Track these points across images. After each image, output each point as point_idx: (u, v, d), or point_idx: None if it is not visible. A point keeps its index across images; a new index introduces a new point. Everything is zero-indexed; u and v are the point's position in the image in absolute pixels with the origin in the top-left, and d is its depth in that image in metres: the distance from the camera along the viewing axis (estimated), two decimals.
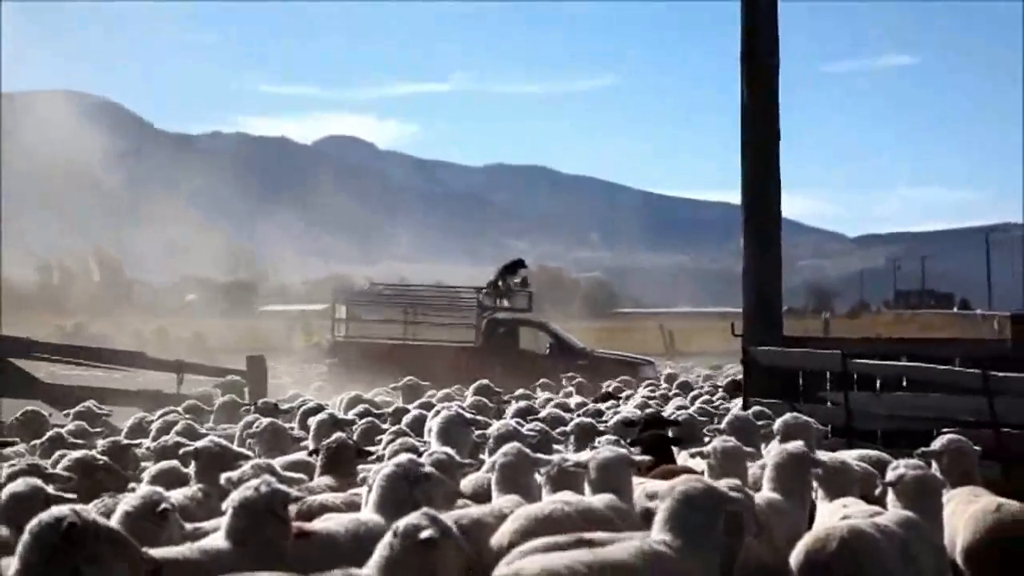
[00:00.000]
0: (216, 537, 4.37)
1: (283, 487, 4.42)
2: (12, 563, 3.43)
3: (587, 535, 4.35)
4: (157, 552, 4.06)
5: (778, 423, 7.14)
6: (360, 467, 5.95)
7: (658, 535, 4.36)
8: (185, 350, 24.41)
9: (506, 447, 5.66)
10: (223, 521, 4.39)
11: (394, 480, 4.85)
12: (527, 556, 4.10)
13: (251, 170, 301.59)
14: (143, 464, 6.65)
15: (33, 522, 3.43)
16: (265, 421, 7.42)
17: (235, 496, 4.36)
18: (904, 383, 9.13)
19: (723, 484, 4.95)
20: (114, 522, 4.22)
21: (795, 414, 7.34)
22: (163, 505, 4.47)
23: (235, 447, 6.14)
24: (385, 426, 7.92)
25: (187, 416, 8.38)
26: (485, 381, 11.24)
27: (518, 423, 7.22)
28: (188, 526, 4.76)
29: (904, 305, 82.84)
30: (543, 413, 8.50)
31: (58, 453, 6.41)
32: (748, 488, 5.27)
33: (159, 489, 4.74)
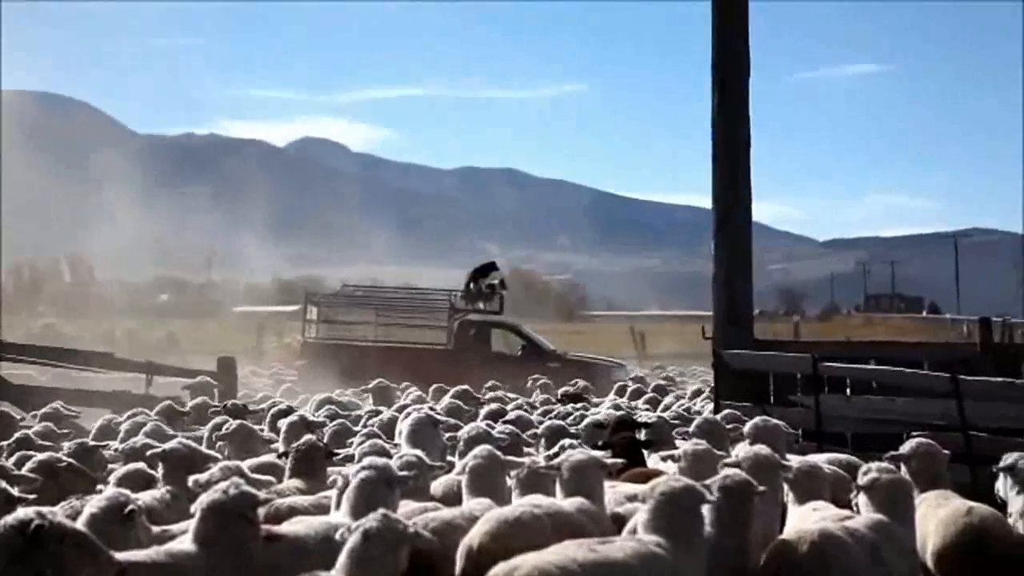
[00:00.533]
0: (184, 540, 4.32)
1: (252, 490, 4.37)
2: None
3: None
4: (122, 555, 4.00)
5: (748, 426, 7.16)
6: (329, 469, 5.90)
7: (648, 536, 4.38)
8: (156, 351, 24.15)
9: (476, 449, 5.64)
10: (191, 524, 4.33)
11: (371, 483, 4.83)
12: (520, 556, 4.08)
13: (224, 172, 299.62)
14: (111, 466, 6.55)
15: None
16: (235, 423, 7.35)
17: (203, 499, 4.31)
18: (874, 386, 9.18)
19: (720, 464, 5.03)
20: (80, 524, 4.14)
21: (765, 417, 7.37)
22: (129, 507, 4.41)
23: (204, 449, 6.07)
24: (356, 428, 7.87)
25: (156, 418, 8.25)
26: (465, 387, 11.18)
27: (488, 425, 7.20)
28: (155, 529, 4.70)
29: (874, 309, 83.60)
30: (511, 415, 8.47)
31: (20, 454, 6.30)
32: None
33: (125, 491, 4.67)
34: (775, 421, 7.23)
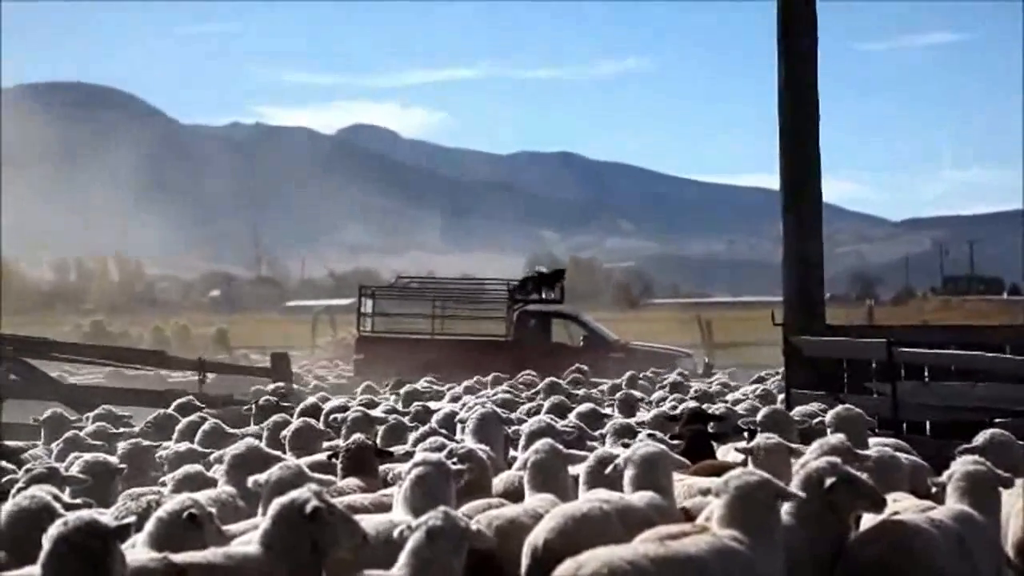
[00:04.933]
0: (247, 542, 4.28)
1: (326, 499, 4.31)
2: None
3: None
4: (181, 556, 3.99)
5: (830, 415, 6.97)
6: (386, 467, 5.84)
7: (723, 531, 4.28)
8: (207, 348, 24.45)
9: (538, 444, 5.52)
10: (258, 525, 4.31)
11: (427, 478, 4.79)
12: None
13: (272, 162, 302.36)
14: (164, 466, 6.58)
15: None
16: (298, 422, 7.34)
17: (274, 504, 4.24)
18: (953, 372, 8.90)
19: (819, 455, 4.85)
20: (149, 527, 4.35)
21: (848, 406, 7.14)
22: (190, 511, 4.41)
23: (266, 448, 6.05)
24: (411, 424, 7.79)
25: (213, 416, 8.27)
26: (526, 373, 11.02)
27: (552, 419, 7.08)
28: None
29: (951, 291, 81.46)
30: (582, 408, 8.35)
31: (72, 455, 6.36)
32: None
33: (195, 496, 4.67)
34: (857, 410, 7.01)
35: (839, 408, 7.05)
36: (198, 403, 9.69)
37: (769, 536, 4.30)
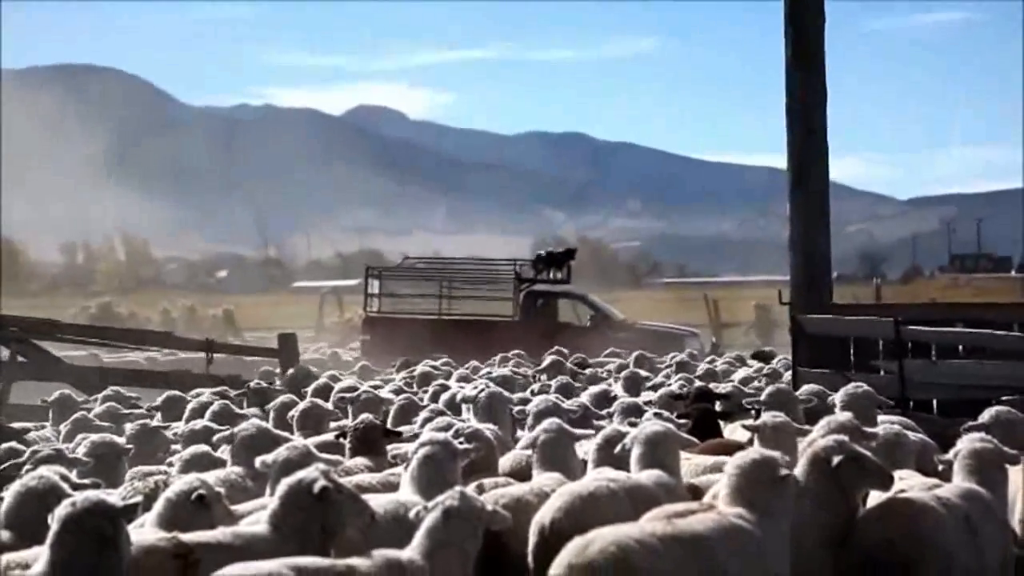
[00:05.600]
0: (255, 522, 4.30)
1: (334, 479, 4.33)
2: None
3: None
4: (190, 536, 4.02)
5: (840, 393, 6.94)
6: (392, 447, 5.86)
7: (730, 508, 4.29)
8: (214, 329, 24.39)
9: (545, 423, 5.53)
10: (267, 505, 4.34)
11: (433, 458, 4.81)
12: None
13: (279, 142, 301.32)
14: (173, 447, 6.61)
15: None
16: (305, 402, 7.35)
17: (282, 485, 4.27)
18: (961, 350, 8.87)
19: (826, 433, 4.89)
20: (156, 507, 4.38)
21: (858, 384, 7.13)
22: (198, 491, 4.44)
23: (273, 429, 6.07)
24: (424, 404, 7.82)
25: (220, 398, 8.29)
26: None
27: (558, 399, 7.10)
28: None
29: (959, 269, 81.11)
30: (595, 389, 8.36)
31: (79, 437, 6.38)
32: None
33: (203, 476, 4.69)
34: (866, 388, 6.99)
35: (849, 387, 7.03)
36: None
37: (775, 514, 4.30)
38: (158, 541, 3.97)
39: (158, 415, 7.90)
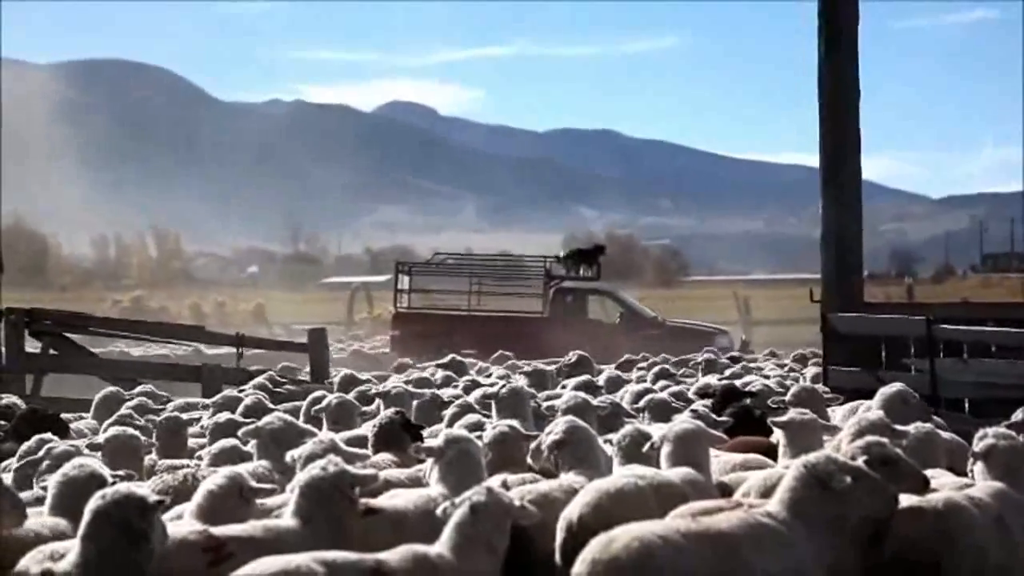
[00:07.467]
0: (283, 515, 4.34)
1: (351, 468, 4.37)
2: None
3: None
4: (220, 529, 4.05)
5: (879, 393, 6.85)
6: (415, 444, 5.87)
7: (771, 507, 4.23)
8: (245, 324, 24.54)
9: (567, 419, 5.51)
10: (289, 499, 4.36)
11: (460, 455, 4.83)
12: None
13: (310, 138, 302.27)
14: (199, 441, 6.67)
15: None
16: (333, 396, 7.39)
17: (302, 476, 4.33)
18: (993, 349, 8.79)
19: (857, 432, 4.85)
20: (198, 499, 4.42)
21: (897, 384, 7.04)
22: (249, 485, 4.52)
23: (300, 423, 6.11)
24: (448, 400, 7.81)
25: (260, 393, 8.36)
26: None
27: (586, 396, 7.07)
28: None
29: (992, 268, 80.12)
30: (630, 388, 8.35)
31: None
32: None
33: (240, 470, 4.73)
34: (899, 386, 6.92)
35: (886, 387, 6.95)
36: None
37: (813, 517, 4.20)
38: (189, 534, 4.01)
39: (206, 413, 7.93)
